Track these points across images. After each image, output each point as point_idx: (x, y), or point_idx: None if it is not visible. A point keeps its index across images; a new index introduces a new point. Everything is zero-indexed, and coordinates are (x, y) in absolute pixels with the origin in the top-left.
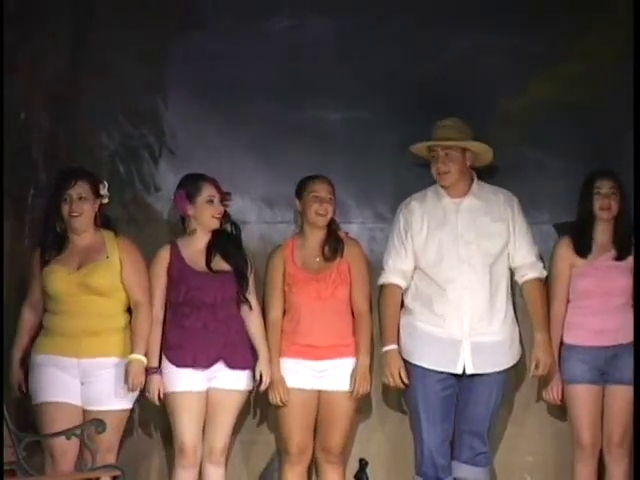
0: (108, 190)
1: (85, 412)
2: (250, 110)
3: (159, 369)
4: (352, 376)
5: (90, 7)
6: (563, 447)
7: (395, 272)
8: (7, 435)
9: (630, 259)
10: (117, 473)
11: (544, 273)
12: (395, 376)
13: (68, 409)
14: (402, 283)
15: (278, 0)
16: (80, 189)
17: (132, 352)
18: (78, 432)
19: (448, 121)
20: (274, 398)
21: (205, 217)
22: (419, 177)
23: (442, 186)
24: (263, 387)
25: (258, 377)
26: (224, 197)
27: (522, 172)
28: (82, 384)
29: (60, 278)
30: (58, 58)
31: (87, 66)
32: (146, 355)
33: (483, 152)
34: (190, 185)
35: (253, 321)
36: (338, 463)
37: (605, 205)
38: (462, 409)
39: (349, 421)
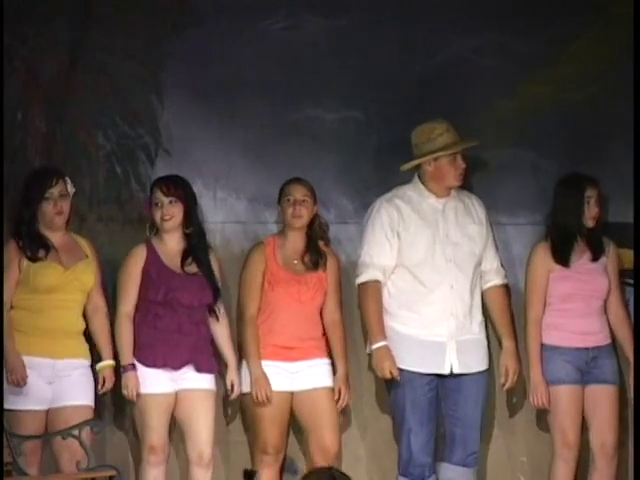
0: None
1: (49, 411)
2: (246, 110)
3: (134, 366)
4: (335, 384)
5: (87, 8)
6: None
7: (377, 268)
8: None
9: (603, 259)
10: (113, 473)
11: (506, 280)
12: (393, 369)
13: (38, 416)
14: (383, 280)
15: (275, 0)
16: (61, 187)
17: (102, 358)
18: (76, 432)
19: (445, 124)
20: (259, 395)
21: (157, 220)
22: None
23: (451, 187)
24: (233, 396)
25: (229, 386)
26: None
27: (517, 173)
28: (50, 384)
29: (57, 274)
30: (55, 59)
31: (84, 66)
32: (117, 353)
33: None
34: (151, 189)
35: (221, 331)
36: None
37: (596, 215)
38: (454, 410)
39: (337, 417)
